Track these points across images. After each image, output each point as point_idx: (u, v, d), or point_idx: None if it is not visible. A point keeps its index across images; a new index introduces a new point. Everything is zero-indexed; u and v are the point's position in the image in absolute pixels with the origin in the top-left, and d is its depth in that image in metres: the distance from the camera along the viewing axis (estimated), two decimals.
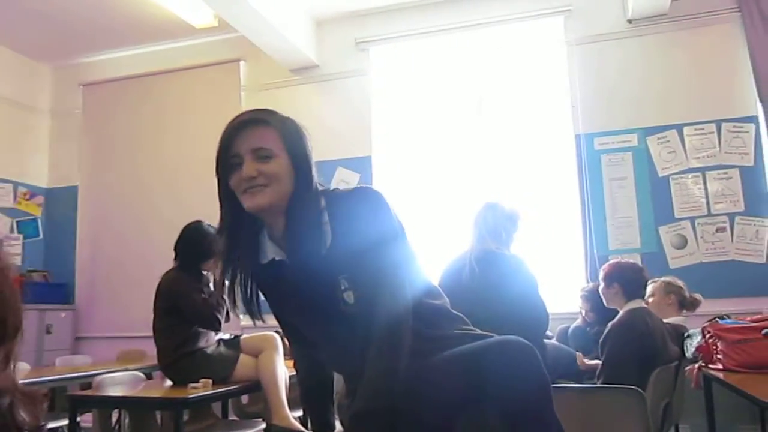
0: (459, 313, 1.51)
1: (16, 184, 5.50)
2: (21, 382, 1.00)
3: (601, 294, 3.00)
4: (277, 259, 1.42)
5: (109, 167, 5.58)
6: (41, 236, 5.69)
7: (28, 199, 5.59)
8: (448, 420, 1.29)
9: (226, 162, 1.40)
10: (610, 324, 2.79)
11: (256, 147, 1.37)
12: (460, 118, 4.79)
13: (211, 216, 3.55)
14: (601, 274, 2.97)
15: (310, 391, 1.66)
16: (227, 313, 3.12)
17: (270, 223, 1.43)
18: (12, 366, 0.77)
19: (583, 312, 3.80)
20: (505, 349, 1.28)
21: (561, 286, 4.25)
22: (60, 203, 5.72)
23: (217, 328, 3.02)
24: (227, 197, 1.42)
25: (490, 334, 1.44)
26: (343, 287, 1.37)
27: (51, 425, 3.51)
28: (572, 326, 3.86)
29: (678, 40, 4.44)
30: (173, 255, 3.16)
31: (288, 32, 4.65)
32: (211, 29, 5.13)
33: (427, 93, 4.90)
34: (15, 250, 5.40)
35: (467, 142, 4.75)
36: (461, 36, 4.84)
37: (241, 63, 5.29)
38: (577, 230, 4.39)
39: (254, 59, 5.22)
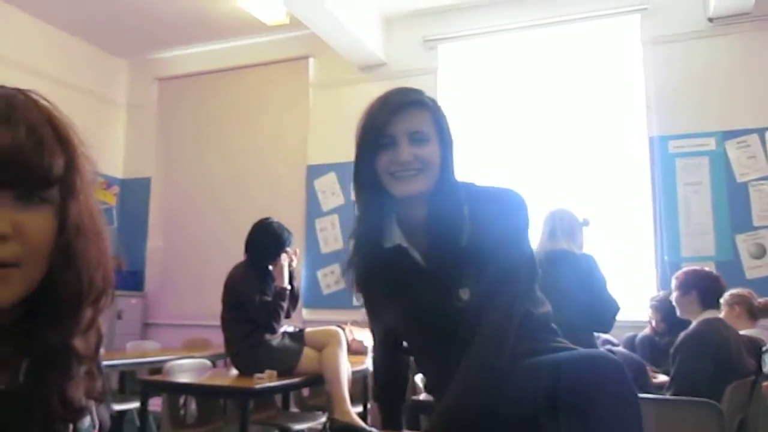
0: (555, 326, 1.49)
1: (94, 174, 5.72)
2: None
3: (674, 302, 2.89)
4: (403, 245, 1.39)
5: (181, 160, 5.75)
6: (115, 225, 5.91)
7: (104, 189, 5.82)
8: (524, 425, 1.27)
9: (376, 141, 1.35)
10: (683, 334, 2.69)
11: (414, 130, 1.33)
12: (530, 117, 4.71)
13: (275, 210, 3.64)
14: (676, 282, 2.87)
15: (385, 390, 1.66)
16: (288, 310, 3.17)
17: (406, 208, 1.39)
18: (94, 332, 0.77)
19: (653, 322, 3.67)
20: (594, 362, 1.24)
21: (630, 294, 4.12)
22: (134, 194, 5.94)
23: (271, 331, 3.06)
24: (367, 176, 1.38)
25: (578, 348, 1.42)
26: (462, 283, 1.34)
27: (120, 407, 3.65)
28: (640, 335, 3.75)
29: (762, 39, 4.24)
30: (239, 248, 3.23)
31: (357, 30, 4.68)
32: (282, 26, 5.21)
33: (495, 92, 4.84)
34: None
35: (536, 143, 4.67)
36: (532, 34, 4.76)
37: (310, 60, 5.36)
38: (648, 236, 4.26)
39: (323, 56, 5.28)
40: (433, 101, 1.43)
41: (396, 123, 1.33)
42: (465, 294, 1.34)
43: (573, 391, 1.19)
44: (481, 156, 4.75)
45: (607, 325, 2.83)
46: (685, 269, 2.96)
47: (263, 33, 5.42)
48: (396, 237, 1.41)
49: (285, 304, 3.07)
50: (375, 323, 1.62)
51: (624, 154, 4.45)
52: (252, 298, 2.99)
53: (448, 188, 1.36)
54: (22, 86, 0.75)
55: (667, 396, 2.56)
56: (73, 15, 5.20)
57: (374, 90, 5.26)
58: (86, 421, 0.79)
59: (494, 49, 4.88)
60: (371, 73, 5.16)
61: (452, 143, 1.39)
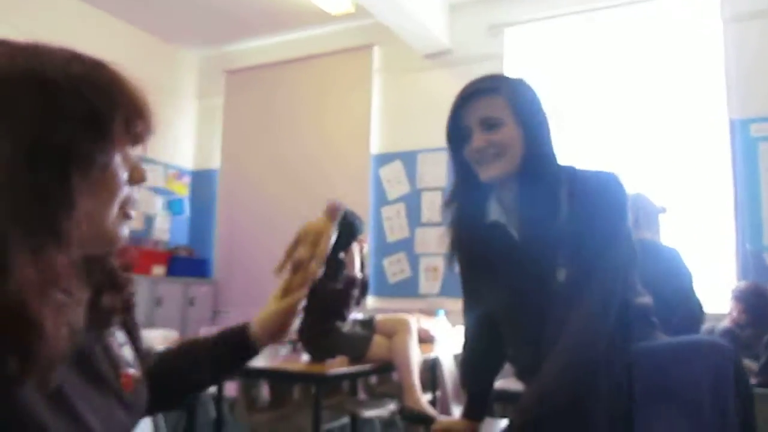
0: (655, 320, 1.45)
1: (166, 166, 5.91)
2: (167, 348, 1.15)
3: None
4: (501, 221, 1.42)
5: (247, 151, 5.86)
6: (187, 215, 6.09)
7: (176, 180, 6.00)
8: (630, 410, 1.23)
9: (457, 134, 1.41)
10: None
11: (483, 117, 1.37)
12: (602, 103, 4.57)
13: (341, 199, 3.66)
14: None
15: (474, 374, 1.65)
16: (358, 298, 3.19)
17: (503, 187, 1.42)
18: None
19: (735, 313, 3.52)
20: (704, 349, 1.21)
21: (708, 283, 3.96)
22: (204, 184, 6.10)
23: (342, 319, 3.08)
24: (460, 165, 1.44)
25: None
26: (558, 263, 1.34)
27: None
28: (720, 327, 3.60)
29: None
30: None
31: (422, 16, 4.65)
32: (347, 16, 5.23)
33: (565, 77, 4.71)
34: (164, 226, 5.81)
35: (610, 127, 4.53)
36: (602, 16, 4.61)
37: (375, 48, 5.36)
38: (728, 223, 4.07)
39: (388, 44, 5.27)
40: (512, 84, 1.42)
41: (468, 113, 1.38)
42: (561, 275, 1.33)
43: (681, 378, 1.15)
44: (555, 142, 4.64)
45: (693, 327, 2.70)
46: None
47: (328, 22, 5.45)
48: (494, 213, 1.43)
49: (356, 292, 3.09)
50: (470, 302, 1.61)
51: (703, 137, 4.26)
52: (324, 286, 3.02)
53: (539, 167, 1.36)
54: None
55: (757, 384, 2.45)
56: (142, 10, 5.36)
57: (439, 77, 5.26)
58: (130, 353, 0.90)
59: (562, 33, 4.75)
60: (436, 60, 5.12)
61: (540, 123, 1.40)
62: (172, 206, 5.95)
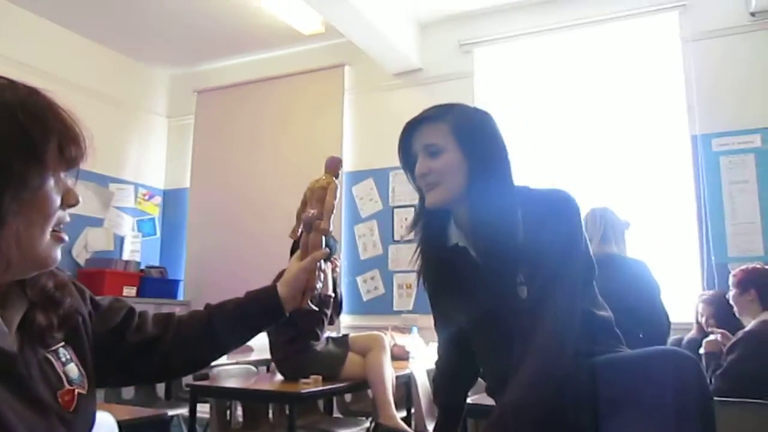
0: (618, 333, 1.48)
1: (136, 186, 5.86)
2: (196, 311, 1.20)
3: (732, 301, 2.82)
4: (460, 244, 1.46)
5: (218, 170, 5.84)
6: (158, 235, 6.04)
7: (147, 200, 5.95)
8: (596, 420, 1.26)
9: (407, 160, 1.48)
10: (741, 332, 2.63)
11: (426, 143, 1.43)
12: (569, 119, 4.67)
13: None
14: (734, 280, 2.80)
15: (446, 391, 1.67)
16: (331, 316, 3.20)
17: (456, 211, 1.47)
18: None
19: (703, 319, 3.58)
20: (668, 358, 1.24)
21: (674, 295, 4.05)
22: (175, 204, 6.06)
23: (315, 338, 3.09)
24: (418, 189, 1.49)
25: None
26: (519, 281, 1.36)
27: (169, 412, 3.71)
28: (687, 337, 3.66)
29: None
30: (277, 255, 3.26)
31: (392, 36, 4.71)
32: (318, 35, 5.28)
33: (533, 94, 4.81)
34: (135, 247, 5.75)
35: (575, 144, 4.62)
36: (568, 35, 4.72)
37: (346, 68, 5.40)
38: (692, 236, 4.17)
39: (358, 64, 5.32)
40: (457, 112, 1.46)
41: (414, 140, 1.45)
42: (523, 293, 1.36)
43: (646, 387, 1.18)
44: (521, 159, 4.71)
45: (660, 339, 2.75)
46: (743, 267, 2.89)
47: (299, 42, 5.49)
48: (454, 236, 1.47)
49: (329, 312, 3.10)
50: (440, 321, 1.64)
51: (666, 153, 4.37)
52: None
53: (485, 192, 1.39)
54: (66, 100, 0.85)
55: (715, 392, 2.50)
56: (113, 30, 5.35)
57: (410, 96, 5.32)
58: (75, 370, 0.91)
59: (531, 51, 4.85)
60: (407, 79, 5.18)
61: (486, 149, 1.43)
62: (143, 226, 5.89)
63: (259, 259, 5.01)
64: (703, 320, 3.53)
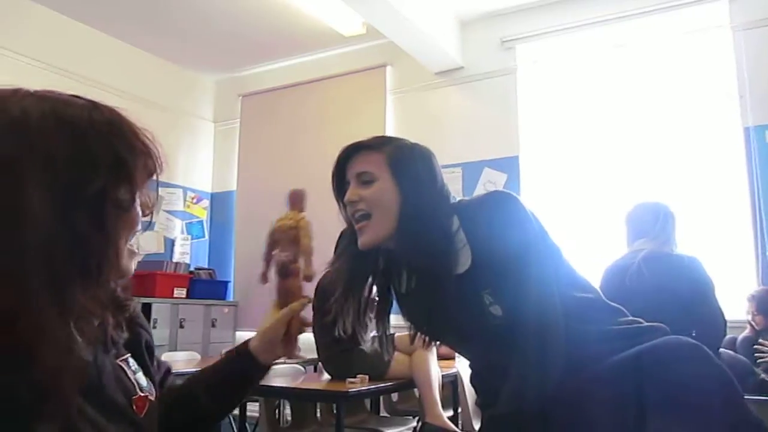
0: (617, 305, 1.42)
1: (185, 189, 6.00)
2: (192, 370, 1.16)
3: None
4: (413, 286, 1.42)
5: (263, 172, 5.92)
6: (206, 237, 6.17)
7: (195, 203, 6.09)
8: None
9: (341, 187, 1.45)
10: None
11: (359, 171, 1.40)
12: (614, 113, 4.58)
13: None
14: None
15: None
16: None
17: (390, 250, 1.42)
18: None
19: (751, 316, 3.48)
20: (672, 350, 1.19)
21: (728, 292, 3.93)
22: (222, 206, 6.18)
23: (357, 344, 3.09)
24: (347, 222, 1.46)
25: (656, 324, 1.35)
26: (488, 302, 1.32)
27: None
28: (740, 336, 3.56)
29: None
30: (322, 255, 3.28)
31: (434, 35, 4.71)
32: (359, 37, 5.30)
33: (578, 89, 4.73)
34: (185, 249, 5.88)
35: (622, 138, 4.53)
36: (612, 28, 4.62)
37: (388, 68, 5.42)
38: (746, 231, 4.04)
39: (400, 63, 5.33)
40: (394, 143, 1.44)
41: (349, 167, 1.42)
42: (497, 311, 1.32)
43: (659, 382, 1.14)
44: (568, 155, 4.66)
45: (714, 338, 2.67)
46: None
47: (341, 44, 5.53)
48: (405, 278, 1.44)
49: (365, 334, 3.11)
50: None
51: (718, 146, 4.25)
52: None
53: (418, 223, 1.34)
54: (125, 111, 0.87)
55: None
56: (158, 38, 5.49)
57: (452, 94, 5.30)
58: (144, 379, 0.94)
59: (575, 46, 4.77)
60: (449, 78, 5.16)
61: (420, 184, 1.38)
62: (192, 229, 6.03)
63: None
64: (750, 317, 3.44)
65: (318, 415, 3.43)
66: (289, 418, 3.49)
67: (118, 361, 0.91)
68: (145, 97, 5.49)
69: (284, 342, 1.15)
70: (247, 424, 3.36)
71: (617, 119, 4.56)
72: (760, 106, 4.10)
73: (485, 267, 1.31)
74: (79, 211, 0.72)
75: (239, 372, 1.13)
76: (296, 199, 1.13)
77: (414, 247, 1.34)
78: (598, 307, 1.41)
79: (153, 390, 0.95)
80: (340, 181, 1.45)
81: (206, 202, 6.23)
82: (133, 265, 0.88)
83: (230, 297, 5.89)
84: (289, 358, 1.20)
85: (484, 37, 5.08)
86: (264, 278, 1.15)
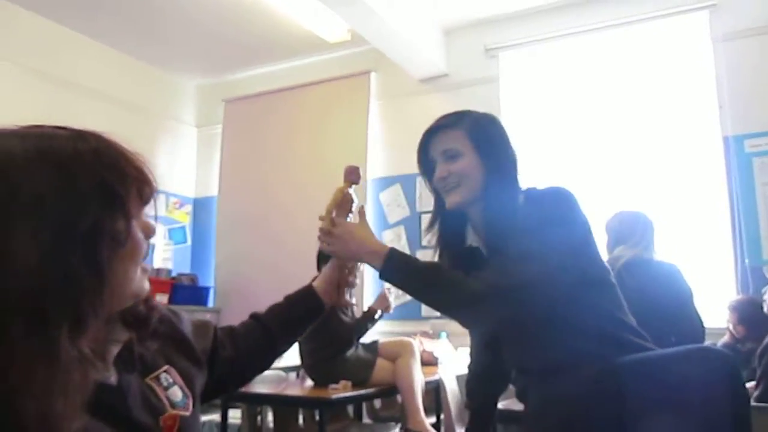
0: (644, 333, 1.47)
1: (167, 194, 5.95)
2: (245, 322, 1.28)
3: (766, 303, 2.78)
4: (473, 245, 1.54)
5: (246, 178, 5.90)
6: (188, 242, 6.12)
7: (177, 208, 6.04)
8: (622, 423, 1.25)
9: (427, 165, 1.56)
10: None
11: (444, 149, 1.51)
12: (598, 121, 4.62)
13: None
14: None
15: (478, 393, 1.69)
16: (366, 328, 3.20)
17: (471, 213, 1.54)
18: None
19: (731, 326, 3.53)
20: (694, 357, 1.23)
21: (708, 299, 3.98)
22: (204, 212, 6.14)
23: (348, 348, 3.10)
24: (435, 192, 1.57)
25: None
26: None
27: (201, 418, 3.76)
28: (720, 343, 3.61)
29: None
30: (303, 261, 3.28)
31: (418, 42, 4.73)
32: (344, 43, 5.31)
33: (560, 97, 4.78)
34: (167, 255, 5.84)
35: (604, 147, 4.57)
36: (594, 38, 4.68)
37: (372, 75, 5.43)
38: (725, 239, 4.10)
39: (384, 70, 5.34)
40: (472, 118, 1.53)
41: (433, 146, 1.54)
42: None
43: (672, 387, 1.17)
44: (549, 161, 4.69)
45: (692, 344, 2.72)
46: None
47: (325, 50, 5.53)
48: (470, 238, 1.55)
49: (371, 326, 3.12)
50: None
51: (697, 155, 4.30)
52: (335, 315, 3.03)
53: (498, 193, 1.45)
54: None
55: (753, 402, 2.46)
56: (141, 41, 5.45)
57: (436, 101, 5.33)
58: (178, 393, 0.94)
59: (557, 55, 4.82)
60: (433, 85, 5.19)
61: (499, 152, 1.50)
62: (174, 234, 5.98)
63: (287, 265, 5.05)
64: (731, 326, 3.49)
65: (300, 421, 3.42)
66: (271, 425, 3.47)
67: (147, 379, 0.91)
68: (128, 100, 5.45)
69: (337, 288, 1.32)
70: (229, 430, 3.35)
71: (599, 127, 4.61)
72: (740, 116, 4.17)
73: (521, 244, 1.38)
74: (71, 250, 0.69)
75: (305, 307, 1.28)
76: (347, 173, 1.17)
77: (493, 211, 1.46)
78: (633, 331, 1.45)
79: (189, 404, 0.95)
80: (425, 161, 1.57)
81: (189, 207, 6.19)
82: (147, 284, 0.86)
83: (211, 303, 5.85)
84: (339, 305, 1.49)
85: (468, 45, 5.11)
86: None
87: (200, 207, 6.21)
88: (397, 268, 1.42)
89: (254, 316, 1.26)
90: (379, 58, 5.00)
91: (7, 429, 0.63)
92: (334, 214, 1.41)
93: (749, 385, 2.90)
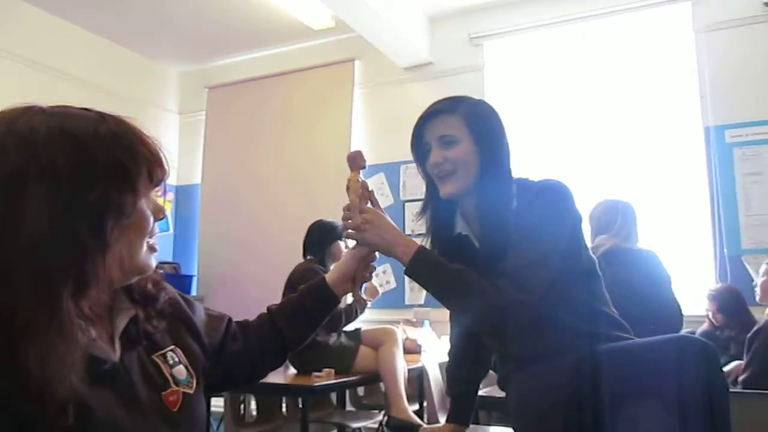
0: (627, 325, 1.49)
1: None
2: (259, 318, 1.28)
3: (758, 287, 2.83)
4: (463, 233, 1.51)
5: (229, 166, 5.86)
6: (171, 231, 6.08)
7: (159, 196, 5.97)
8: (600, 410, 1.26)
9: (420, 150, 1.53)
10: (763, 320, 2.63)
11: (441, 134, 1.47)
12: (581, 111, 4.64)
13: (323, 213, 3.71)
14: (766, 267, 2.80)
15: (459, 380, 1.69)
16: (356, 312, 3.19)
17: (462, 202, 1.52)
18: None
19: (710, 314, 3.59)
20: (672, 345, 1.25)
21: (687, 287, 4.03)
22: (187, 200, 6.10)
23: (337, 330, 3.10)
24: (428, 178, 1.54)
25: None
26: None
27: None
28: (699, 330, 3.66)
29: None
30: (285, 249, 3.29)
31: (402, 30, 4.71)
32: (328, 30, 5.27)
33: (544, 87, 4.79)
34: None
35: (586, 136, 4.60)
36: (579, 27, 4.69)
37: (356, 62, 5.40)
38: (706, 229, 4.15)
39: (368, 58, 5.31)
40: (469, 104, 1.51)
41: (428, 131, 1.50)
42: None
43: (649, 375, 1.18)
44: (532, 151, 4.70)
45: (671, 331, 2.77)
46: None
47: (309, 38, 5.49)
48: (459, 225, 1.52)
49: (359, 312, 3.12)
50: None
51: (678, 145, 4.34)
52: None
53: (493, 182, 1.44)
54: (79, 98, 0.90)
55: (738, 388, 2.50)
56: (123, 27, 5.37)
57: (420, 89, 5.31)
58: (183, 371, 0.98)
59: (542, 44, 4.83)
60: (417, 73, 5.18)
61: (495, 140, 1.49)
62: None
63: (270, 253, 5.05)
64: (710, 315, 3.54)
65: (283, 409, 3.42)
66: (255, 413, 3.47)
67: (154, 356, 0.95)
68: (109, 87, 5.37)
69: (353, 282, 1.30)
70: (211, 420, 3.34)
71: (582, 116, 4.63)
72: (721, 107, 4.21)
73: (515, 235, 1.38)
74: (78, 218, 0.77)
75: (316, 300, 1.26)
76: (349, 161, 1.15)
77: (487, 201, 1.44)
78: (615, 323, 1.46)
79: (193, 383, 0.98)
80: (418, 145, 1.53)
81: (171, 195, 6.14)
82: (153, 261, 0.92)
83: (194, 291, 5.82)
84: (355, 299, 1.42)
85: (453, 33, 5.10)
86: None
87: (183, 195, 6.16)
88: (425, 266, 1.37)
89: (268, 309, 1.27)
90: (364, 45, 4.97)
91: (11, 370, 0.70)
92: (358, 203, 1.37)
93: (730, 366, 2.95)
